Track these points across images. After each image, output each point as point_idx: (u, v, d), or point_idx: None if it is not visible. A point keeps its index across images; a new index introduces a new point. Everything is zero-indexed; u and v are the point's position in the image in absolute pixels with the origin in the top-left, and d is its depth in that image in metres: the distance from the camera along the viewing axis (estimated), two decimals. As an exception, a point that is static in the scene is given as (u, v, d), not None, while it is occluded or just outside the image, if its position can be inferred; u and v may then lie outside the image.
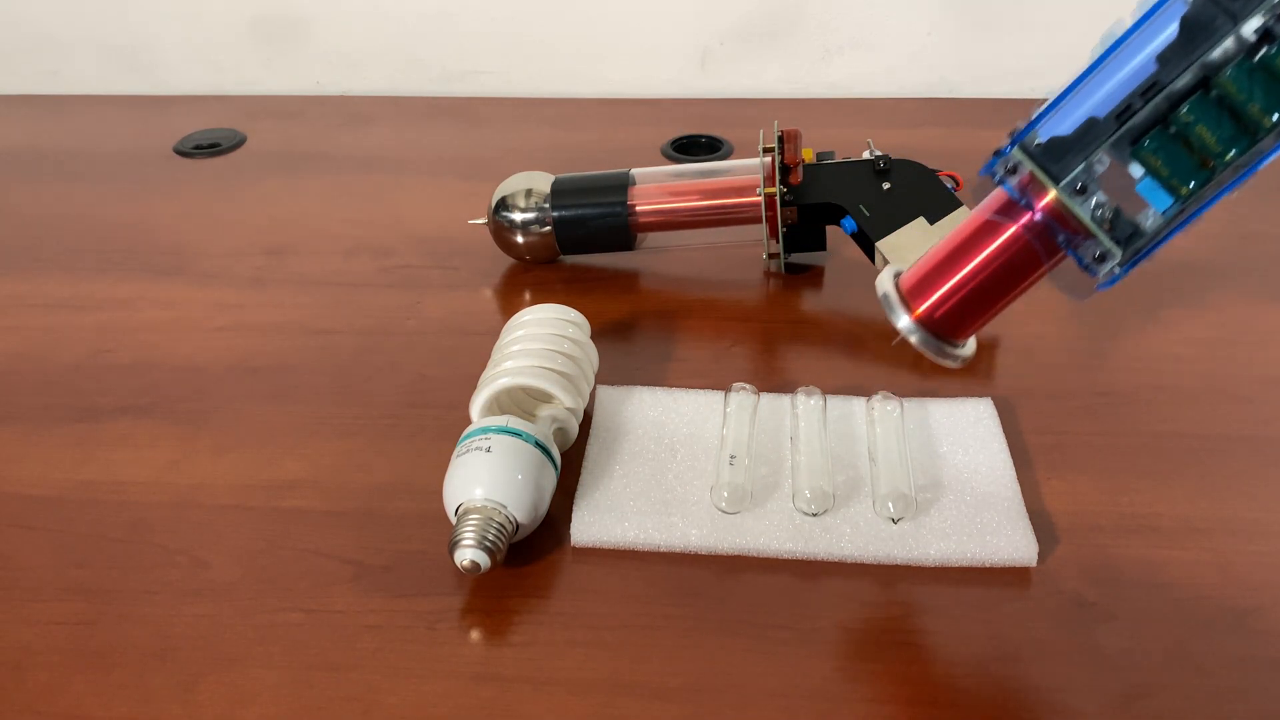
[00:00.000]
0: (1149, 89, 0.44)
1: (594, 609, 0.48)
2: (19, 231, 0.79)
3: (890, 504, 0.50)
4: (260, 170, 0.87)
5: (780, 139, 0.67)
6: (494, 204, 0.71)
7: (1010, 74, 0.94)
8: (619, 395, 0.59)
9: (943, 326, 0.55)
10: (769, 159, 0.67)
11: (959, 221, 0.61)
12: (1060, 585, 0.48)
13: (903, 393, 0.57)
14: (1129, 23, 0.45)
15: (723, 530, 0.51)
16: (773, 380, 0.61)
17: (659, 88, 0.98)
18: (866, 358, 0.63)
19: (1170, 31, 0.43)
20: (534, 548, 0.51)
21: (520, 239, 0.70)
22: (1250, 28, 0.42)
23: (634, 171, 0.70)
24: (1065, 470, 0.55)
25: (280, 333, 0.67)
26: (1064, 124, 0.46)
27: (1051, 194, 0.47)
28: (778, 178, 0.66)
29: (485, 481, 0.48)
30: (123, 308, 0.69)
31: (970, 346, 0.61)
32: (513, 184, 0.71)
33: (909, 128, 0.89)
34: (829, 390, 0.58)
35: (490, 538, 0.47)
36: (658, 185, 0.70)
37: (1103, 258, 0.47)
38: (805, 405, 0.56)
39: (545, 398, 0.55)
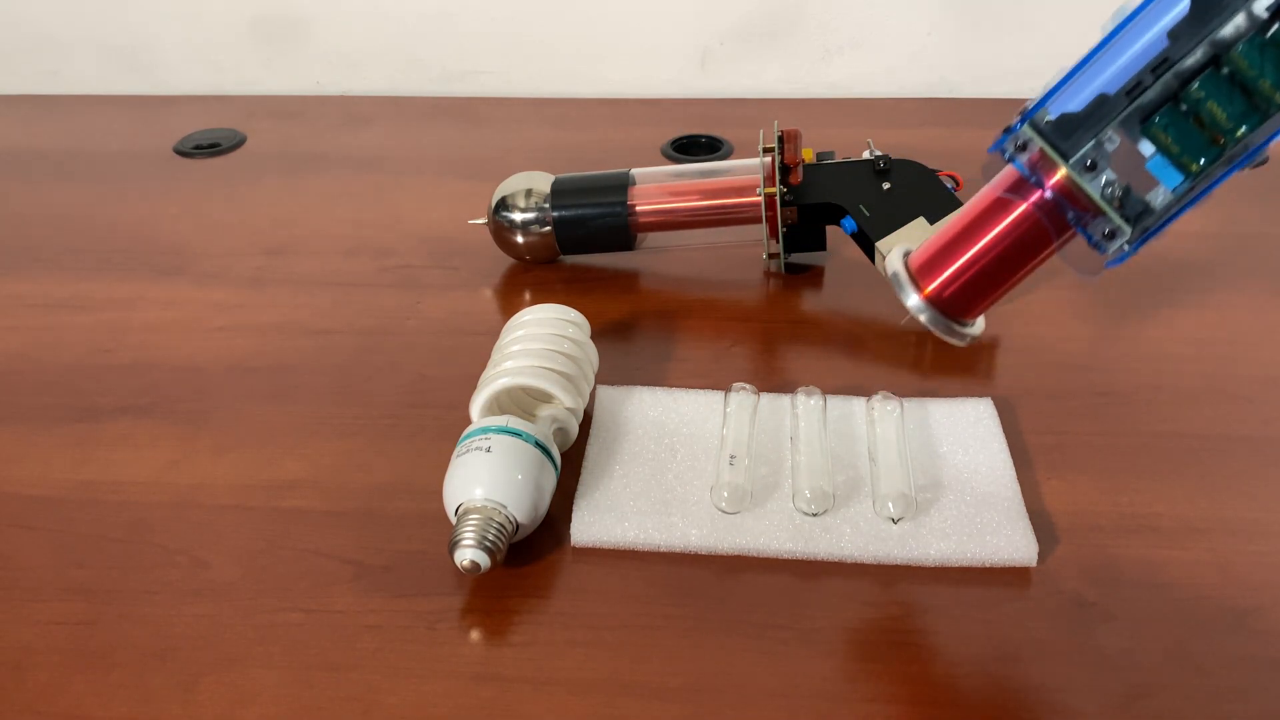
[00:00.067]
0: (1160, 65, 0.44)
1: (594, 609, 0.48)
2: (19, 231, 0.79)
3: (890, 504, 0.50)
4: (260, 170, 0.87)
5: (780, 139, 0.67)
6: (494, 204, 0.71)
7: (1010, 74, 0.94)
8: (619, 395, 0.59)
9: (952, 305, 0.54)
10: (769, 159, 0.67)
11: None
12: (1060, 585, 0.48)
13: (903, 393, 0.57)
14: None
15: (723, 530, 0.51)
16: (773, 380, 0.61)
17: (659, 88, 0.98)
18: (866, 358, 0.63)
19: (1181, 7, 0.43)
20: (534, 548, 0.51)
21: (520, 239, 0.70)
22: (1262, 5, 0.42)
23: (634, 171, 0.70)
24: (1065, 470, 0.55)
25: (280, 333, 0.67)
26: (1074, 101, 0.46)
27: (1062, 171, 0.47)
28: (778, 178, 0.66)
29: (485, 481, 0.48)
30: (123, 308, 0.69)
31: (979, 325, 0.61)
32: (513, 184, 0.71)
33: (909, 128, 0.89)
34: (829, 390, 0.58)
35: (490, 538, 0.47)
36: (658, 185, 0.70)
37: (1112, 235, 0.47)
38: (805, 405, 0.56)
39: (545, 398, 0.55)
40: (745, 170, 0.69)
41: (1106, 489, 0.54)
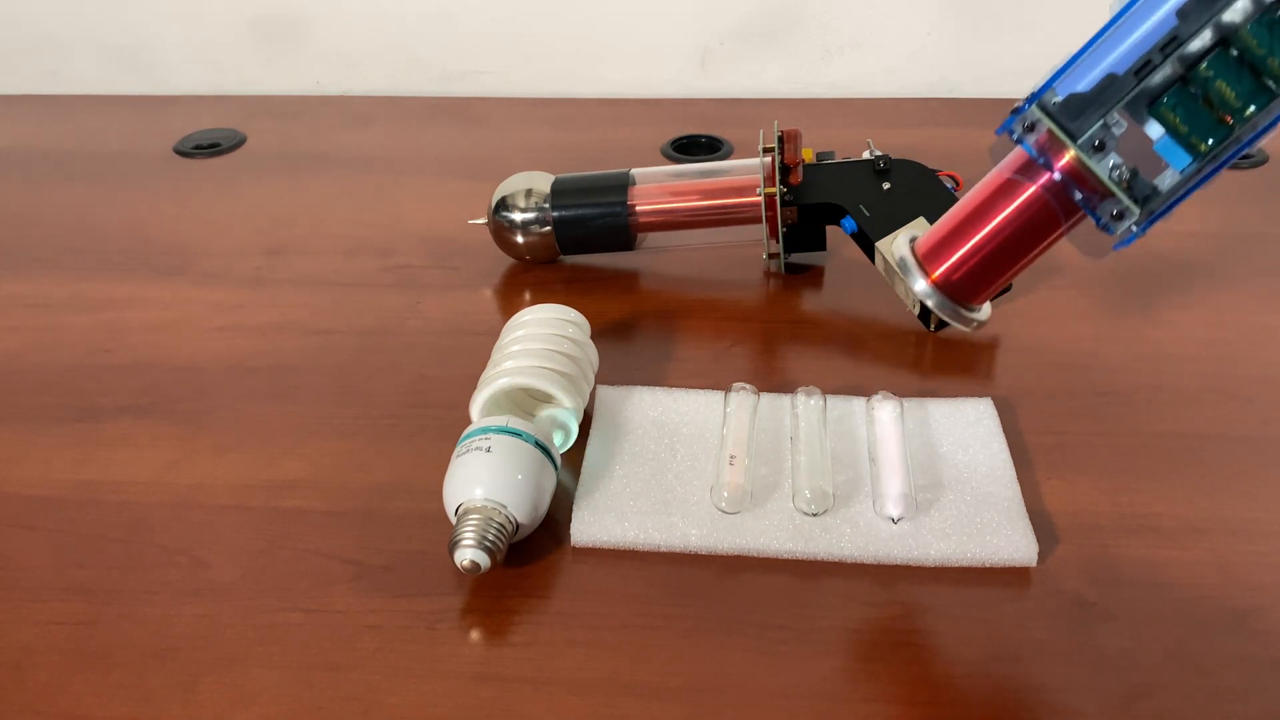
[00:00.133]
0: (1168, 44, 0.43)
1: (594, 609, 0.48)
2: (19, 231, 0.79)
3: (890, 504, 0.50)
4: (260, 170, 0.87)
5: (780, 139, 0.67)
6: (494, 204, 0.71)
7: (1010, 74, 0.94)
8: (619, 395, 0.59)
9: (960, 289, 0.54)
10: (769, 159, 0.67)
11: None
12: (1060, 585, 0.48)
13: (903, 393, 0.57)
14: None
15: (723, 530, 0.51)
16: (773, 380, 0.61)
17: (659, 88, 0.98)
18: (866, 358, 0.63)
19: None
20: (534, 548, 0.51)
21: (520, 239, 0.70)
22: None
23: (634, 171, 0.70)
24: (1065, 470, 0.55)
25: (280, 333, 0.67)
26: (1082, 81, 0.46)
27: (1070, 153, 0.46)
28: (778, 178, 0.66)
29: (485, 481, 0.48)
30: (123, 308, 0.69)
31: (985, 310, 0.61)
32: (513, 184, 0.71)
33: (909, 128, 0.89)
34: (829, 390, 0.58)
35: (490, 538, 0.47)
36: (658, 185, 0.70)
37: (1120, 215, 0.47)
38: (805, 405, 0.56)
39: (545, 398, 0.55)
40: (745, 170, 0.69)
41: (1106, 489, 0.54)
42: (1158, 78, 0.44)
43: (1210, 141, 0.44)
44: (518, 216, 0.70)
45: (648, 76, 0.98)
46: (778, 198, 0.65)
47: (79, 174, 0.87)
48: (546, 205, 0.69)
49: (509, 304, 0.70)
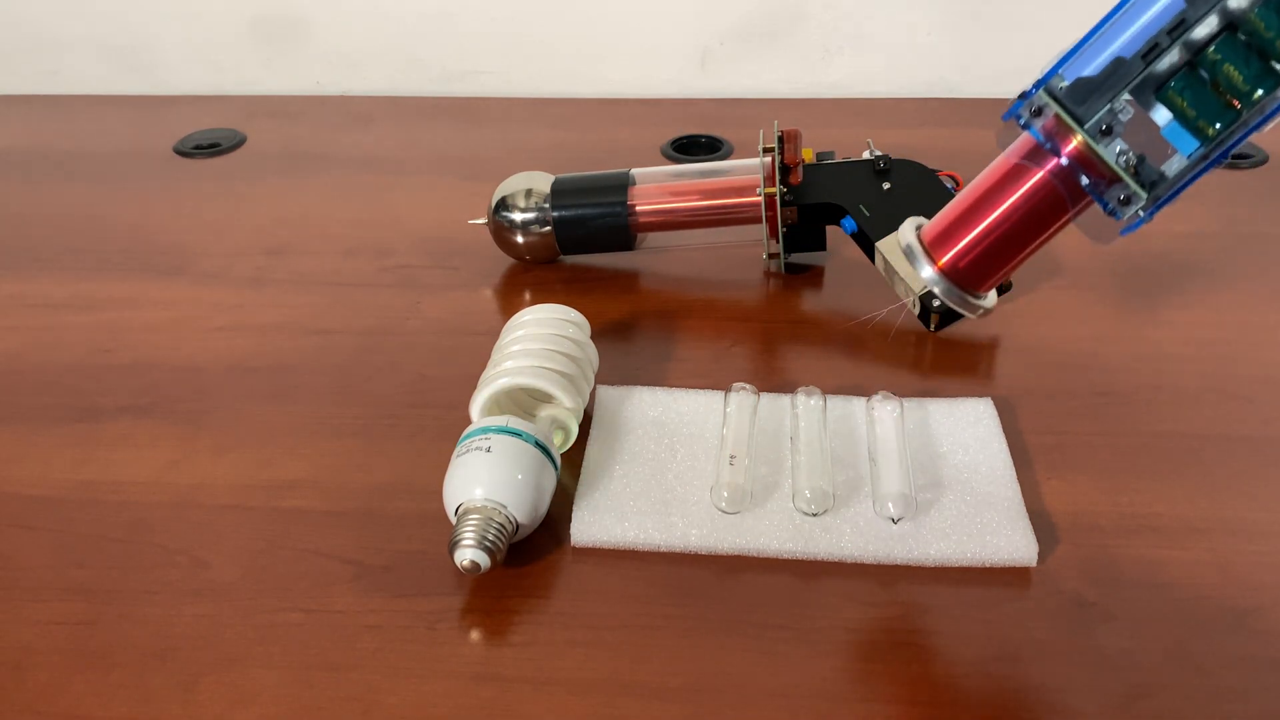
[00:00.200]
0: (1176, 27, 0.43)
1: (594, 609, 0.48)
2: (19, 231, 0.79)
3: (890, 504, 0.50)
4: (260, 170, 0.87)
5: (780, 139, 0.67)
6: (494, 204, 0.71)
7: (1010, 74, 0.94)
8: (619, 395, 0.59)
9: (967, 276, 0.54)
10: (769, 159, 0.67)
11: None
12: (1060, 585, 0.48)
13: (903, 393, 0.57)
14: None
15: (723, 530, 0.51)
16: (773, 380, 0.61)
17: (659, 88, 0.98)
18: (866, 358, 0.63)
19: None
20: (534, 548, 0.51)
21: (520, 239, 0.70)
22: None
23: (634, 171, 0.70)
24: (1065, 470, 0.55)
25: (280, 333, 0.67)
26: (1089, 65, 0.46)
27: (1078, 138, 0.46)
28: (778, 178, 0.66)
29: (485, 481, 0.48)
30: (123, 308, 0.69)
31: (991, 298, 0.61)
32: (513, 184, 0.71)
33: (909, 128, 0.89)
34: (829, 390, 0.58)
35: (490, 538, 0.47)
36: (658, 185, 0.70)
37: (1127, 201, 0.47)
38: (805, 405, 0.56)
39: (545, 398, 0.55)
40: (745, 170, 0.69)
41: (1106, 489, 0.54)
42: (1165, 62, 0.44)
43: (1218, 125, 0.44)
44: (518, 216, 0.70)
45: (648, 76, 0.98)
46: (778, 198, 0.65)
47: (79, 174, 0.87)
48: (546, 205, 0.69)
49: (509, 304, 0.70)
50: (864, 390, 0.58)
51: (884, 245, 0.63)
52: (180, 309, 0.69)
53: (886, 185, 0.66)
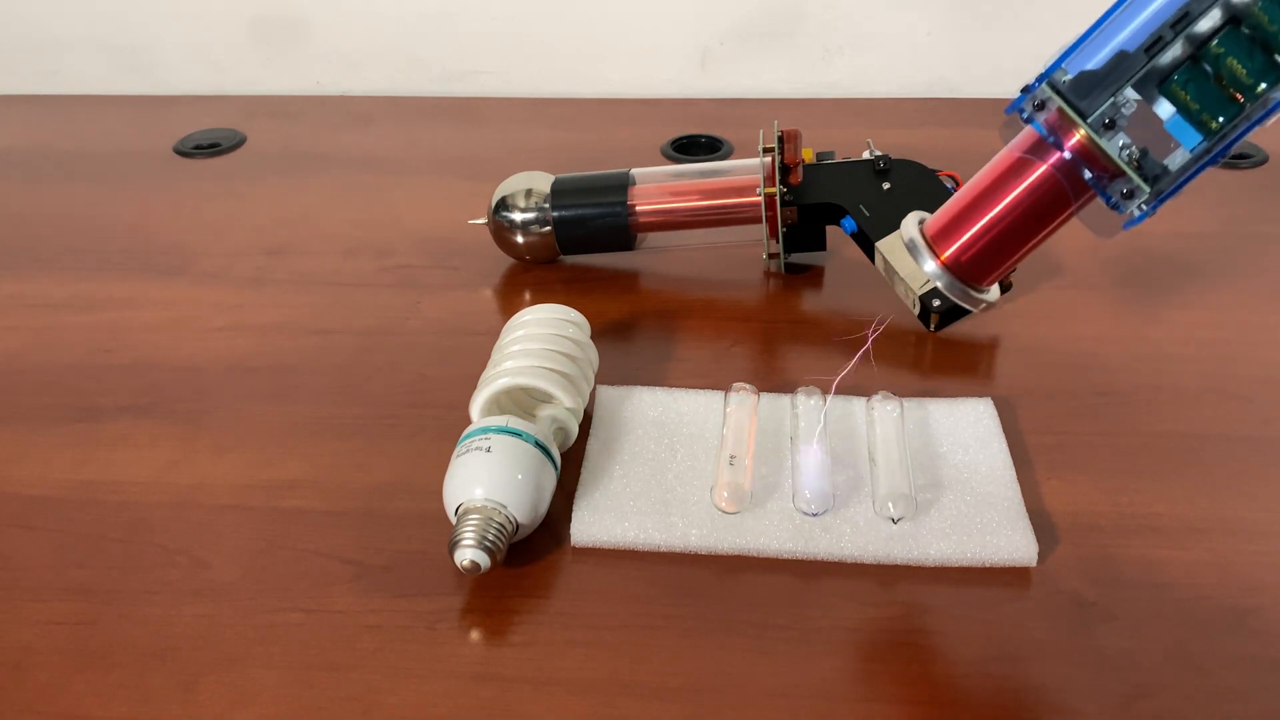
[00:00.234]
0: (1180, 20, 0.43)
1: (594, 609, 0.48)
2: (19, 231, 0.79)
3: (890, 504, 0.50)
4: (260, 170, 0.87)
5: (780, 139, 0.67)
6: (494, 204, 0.71)
7: (1010, 74, 0.94)
8: (619, 395, 0.59)
9: (970, 270, 0.54)
10: (769, 159, 0.67)
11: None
12: (1060, 585, 0.48)
13: (903, 393, 0.57)
14: None
15: (723, 530, 0.51)
16: (773, 380, 0.61)
17: (659, 88, 0.98)
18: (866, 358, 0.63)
19: None
20: (534, 548, 0.51)
21: (520, 239, 0.70)
22: None
23: (634, 171, 0.70)
24: (1065, 470, 0.55)
25: (280, 333, 0.67)
26: (1092, 59, 0.46)
27: (1081, 132, 0.46)
28: (778, 178, 0.66)
29: (485, 481, 0.48)
30: (123, 308, 0.69)
31: (994, 292, 0.61)
32: (513, 184, 0.71)
33: (909, 128, 0.89)
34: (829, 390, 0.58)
35: (490, 538, 0.47)
36: (658, 185, 0.70)
37: (1130, 194, 0.47)
38: (805, 405, 0.56)
39: (545, 398, 0.55)
40: (745, 170, 0.69)
41: (1106, 489, 0.54)
42: (1168, 55, 0.44)
43: (1221, 119, 0.44)
44: (518, 216, 0.70)
45: (648, 76, 0.98)
46: (778, 198, 0.65)
47: (79, 174, 0.87)
48: (546, 205, 0.69)
49: (509, 304, 0.70)
50: (864, 390, 0.58)
51: (884, 245, 0.63)
52: (180, 309, 0.69)
53: (886, 185, 0.66)
